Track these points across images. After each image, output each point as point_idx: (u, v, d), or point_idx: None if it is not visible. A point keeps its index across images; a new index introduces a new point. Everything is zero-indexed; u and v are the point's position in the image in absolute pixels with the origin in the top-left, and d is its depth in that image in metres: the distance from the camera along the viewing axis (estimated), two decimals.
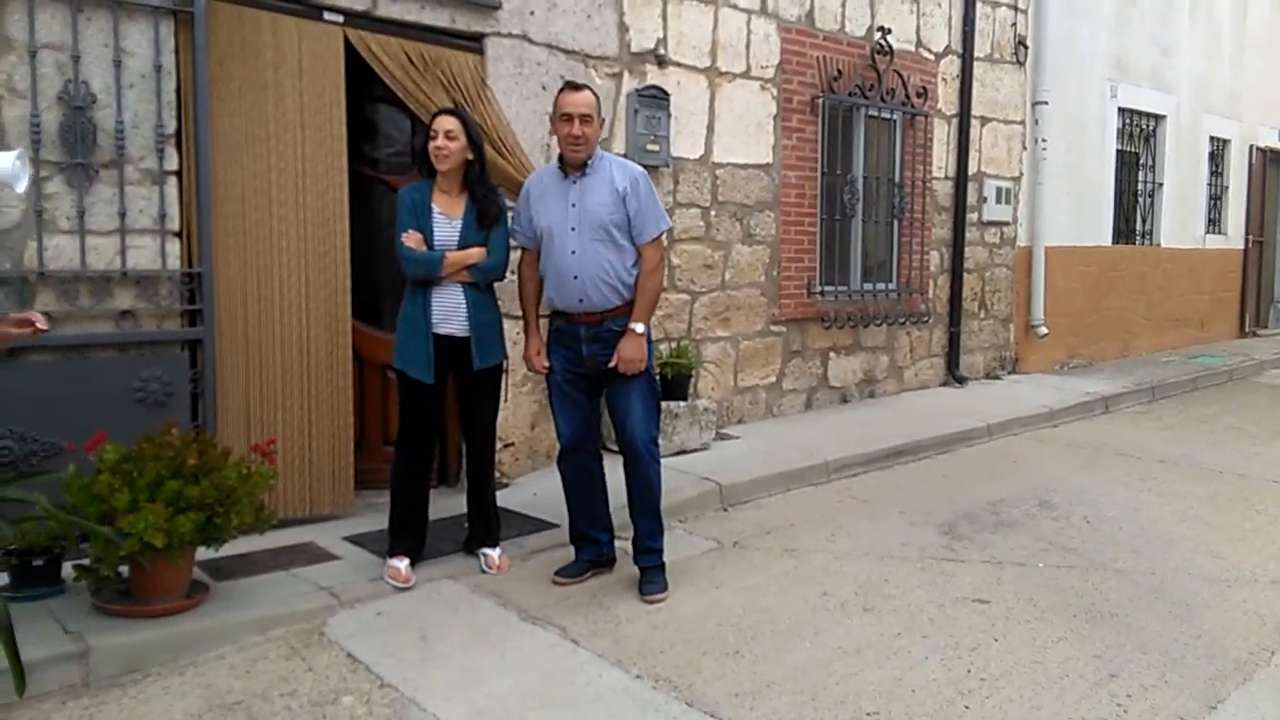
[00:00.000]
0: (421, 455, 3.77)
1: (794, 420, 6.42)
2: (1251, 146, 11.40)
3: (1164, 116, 10.03)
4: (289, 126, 4.08)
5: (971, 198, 7.89)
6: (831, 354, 6.90)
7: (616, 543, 3.94)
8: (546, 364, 3.78)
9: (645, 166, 4.57)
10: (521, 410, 5.06)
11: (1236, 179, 11.29)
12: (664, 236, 3.78)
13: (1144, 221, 10.06)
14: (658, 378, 4.07)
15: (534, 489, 4.76)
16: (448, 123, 3.63)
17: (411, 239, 3.59)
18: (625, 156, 5.25)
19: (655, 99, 5.57)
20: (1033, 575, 3.90)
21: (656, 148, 5.60)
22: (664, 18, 5.66)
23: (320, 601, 3.43)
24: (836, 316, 6.78)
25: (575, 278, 3.60)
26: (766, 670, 3.03)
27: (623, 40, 5.45)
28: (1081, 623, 3.43)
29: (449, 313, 3.65)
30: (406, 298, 3.69)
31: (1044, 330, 8.53)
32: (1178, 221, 10.34)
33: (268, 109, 4.03)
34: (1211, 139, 10.81)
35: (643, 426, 3.70)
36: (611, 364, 3.62)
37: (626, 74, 5.49)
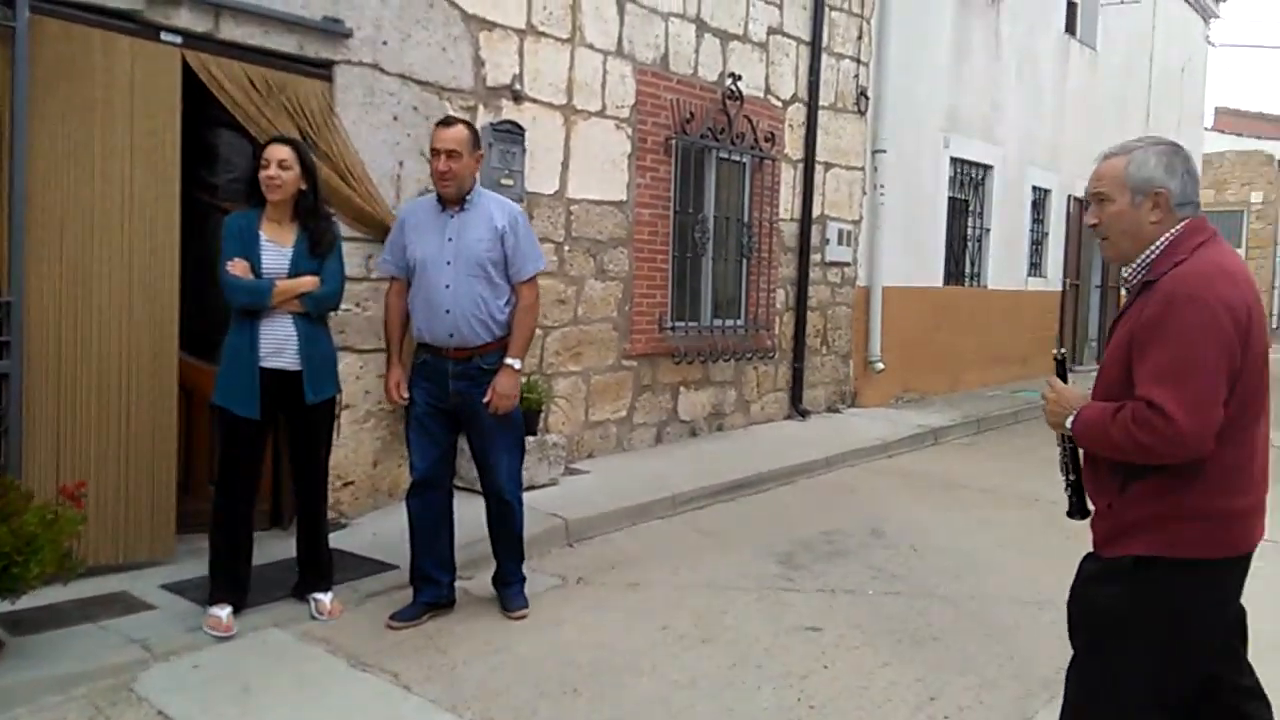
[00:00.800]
0: (243, 496, 3.60)
1: (644, 454, 6.51)
2: (1069, 196, 12.36)
3: (992, 166, 10.77)
4: (117, 150, 3.88)
5: (815, 239, 8.24)
6: (682, 388, 7.04)
7: (457, 583, 3.90)
8: (406, 395, 3.74)
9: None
10: (364, 447, 4.94)
11: (1056, 226, 12.21)
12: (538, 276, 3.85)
13: (973, 264, 10.74)
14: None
15: (374, 529, 4.64)
16: (280, 152, 3.54)
17: (237, 267, 3.45)
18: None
19: (510, 134, 5.59)
20: (863, 602, 4.08)
21: (511, 182, 5.61)
22: (520, 54, 5.70)
23: (130, 655, 3.22)
24: (687, 352, 6.94)
25: (448, 312, 3.61)
26: (604, 708, 3.05)
27: (478, 74, 5.46)
28: (906, 647, 3.61)
29: (279, 345, 3.52)
30: (232, 329, 3.53)
31: (881, 366, 8.97)
32: (1003, 264, 11.10)
33: (94, 131, 3.82)
34: (1034, 188, 11.67)
35: (510, 472, 3.81)
36: (486, 399, 3.64)
37: (482, 108, 5.49)
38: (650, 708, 3.06)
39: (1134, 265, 2.09)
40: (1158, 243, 2.04)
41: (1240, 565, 2.03)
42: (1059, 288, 12.36)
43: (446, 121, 3.71)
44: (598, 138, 6.20)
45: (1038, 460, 7.27)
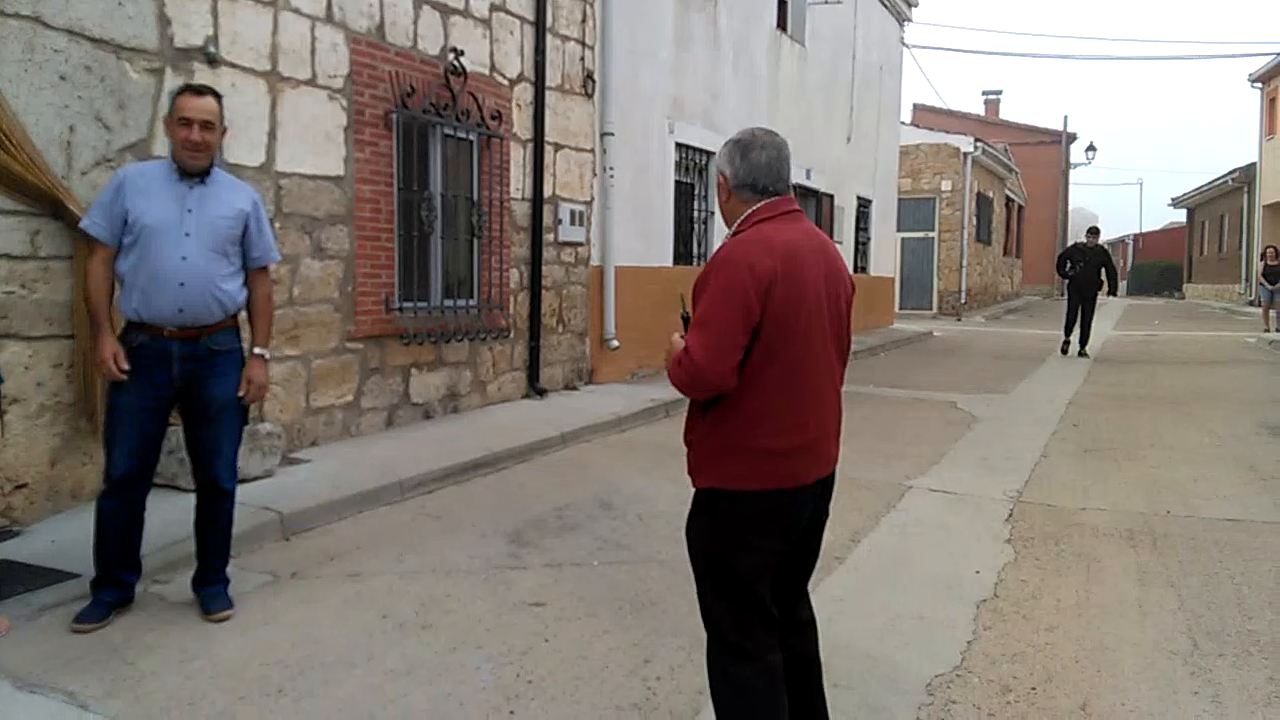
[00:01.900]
0: None
1: (373, 440, 6.27)
2: None
3: (714, 153, 11.29)
4: None
5: (548, 219, 8.28)
6: (413, 370, 6.84)
7: (152, 589, 3.59)
8: (126, 367, 3.39)
9: None
10: (39, 445, 4.40)
11: None
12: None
13: (699, 245, 11.23)
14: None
15: (53, 536, 4.14)
16: None
17: None
18: (166, 159, 4.80)
19: None
20: (588, 574, 4.15)
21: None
22: (214, 14, 5.25)
23: None
24: (417, 333, 6.75)
25: (182, 285, 3.36)
26: (311, 706, 2.89)
27: (164, 34, 4.97)
28: (626, 614, 3.70)
29: None
30: None
31: (616, 343, 9.19)
32: None
33: None
34: None
35: (230, 465, 3.61)
36: (241, 392, 3.54)
37: (170, 71, 5.00)
38: (363, 701, 2.93)
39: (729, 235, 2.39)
40: (740, 218, 2.35)
41: (787, 499, 2.26)
42: None
43: (197, 90, 3.52)
44: (309, 108, 5.86)
45: None
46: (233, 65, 5.36)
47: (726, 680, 2.29)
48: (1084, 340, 13.98)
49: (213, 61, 5.23)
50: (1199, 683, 3.13)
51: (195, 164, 3.42)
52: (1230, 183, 30.82)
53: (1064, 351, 14.00)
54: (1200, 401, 9.35)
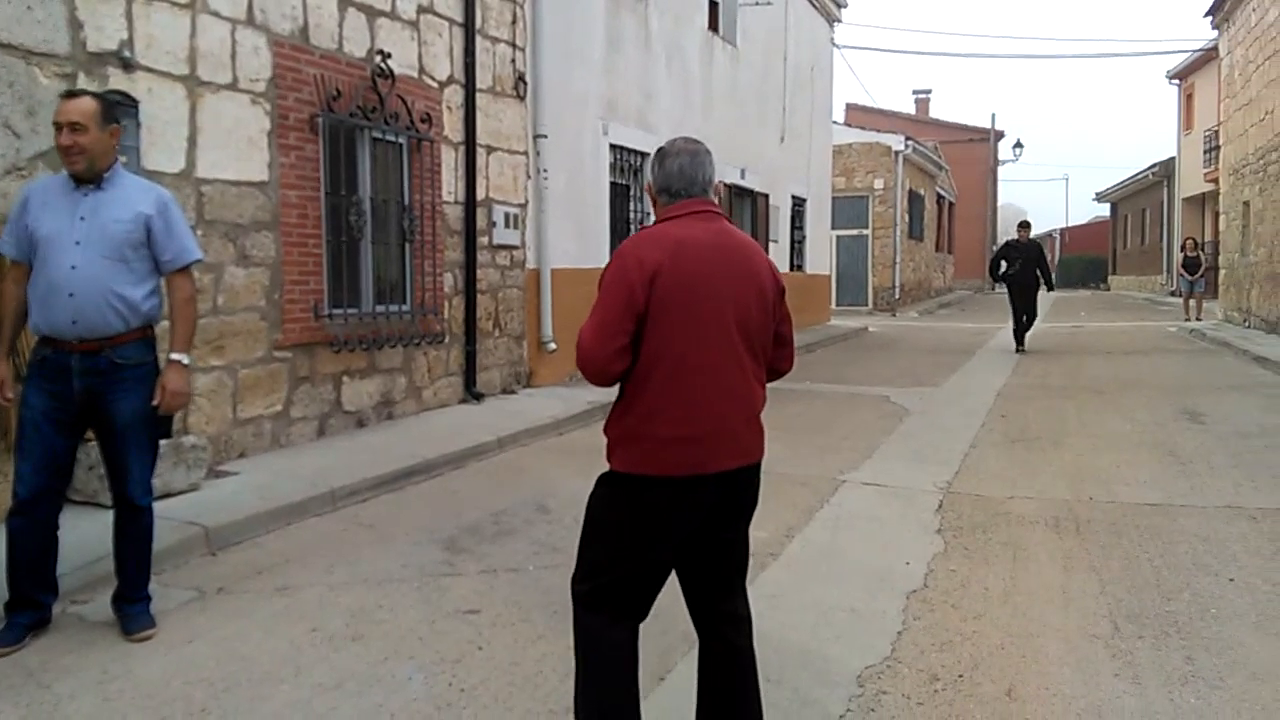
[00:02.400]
0: None
1: (303, 450, 6.16)
2: (720, 182, 13.27)
3: (648, 153, 11.32)
4: None
5: (481, 222, 8.22)
6: (345, 378, 6.74)
7: (70, 610, 3.48)
8: (9, 396, 3.34)
9: None
10: None
11: None
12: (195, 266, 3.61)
13: None
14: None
15: None
16: None
17: None
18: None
19: (120, 105, 4.97)
20: (523, 579, 4.13)
21: (124, 158, 4.99)
22: (129, 17, 5.12)
23: None
24: (348, 340, 6.65)
25: (71, 295, 3.25)
26: None
27: (76, 38, 4.83)
28: (560, 619, 3.67)
29: None
30: None
31: (554, 346, 9.16)
32: None
33: None
34: None
35: (143, 482, 3.49)
36: (155, 401, 3.41)
37: (84, 75, 4.86)
38: (288, 716, 2.87)
39: None
40: (658, 217, 2.49)
41: (682, 487, 2.33)
42: None
43: (70, 94, 3.44)
44: (230, 113, 5.73)
45: None
46: (149, 70, 5.23)
47: (580, 625, 2.46)
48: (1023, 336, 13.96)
49: (128, 66, 5.10)
50: (1119, 664, 3.22)
51: (73, 168, 3.32)
52: (1151, 177, 31.84)
53: (1019, 352, 13.42)
54: (1124, 390, 9.65)
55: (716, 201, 2.52)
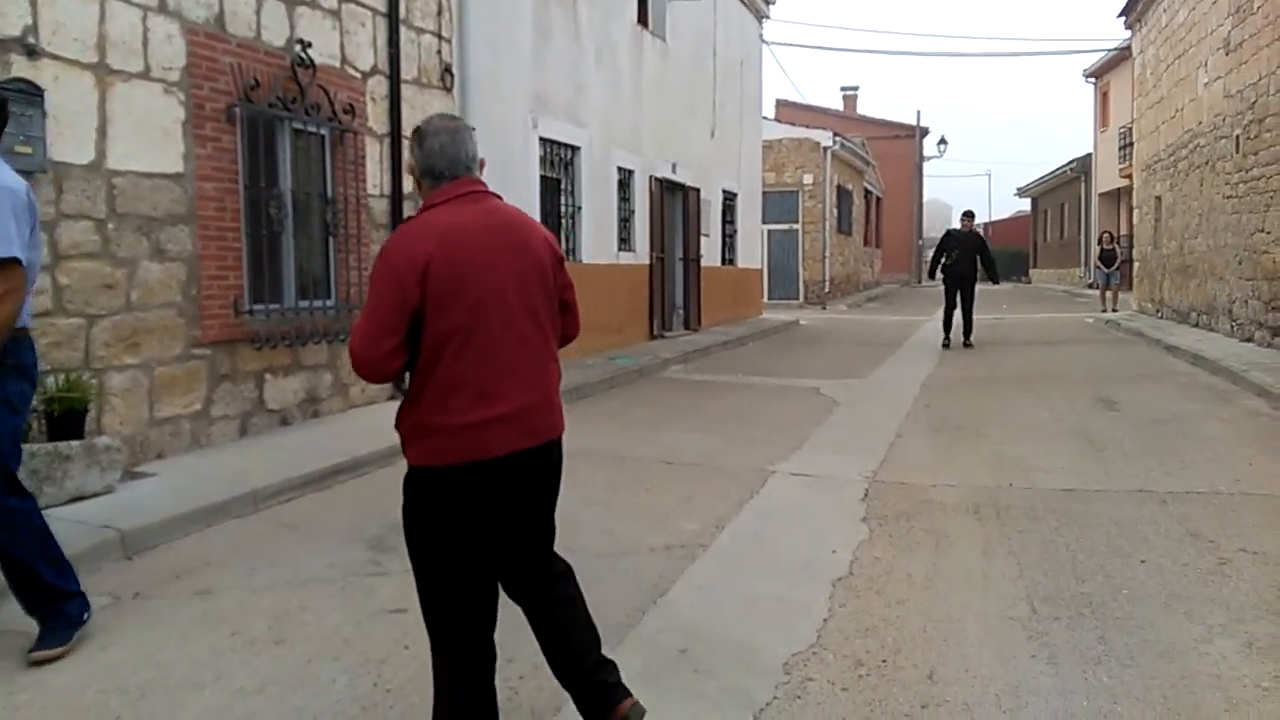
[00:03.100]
0: None
1: (224, 450, 6.00)
2: (650, 177, 13.34)
3: (579, 148, 11.28)
4: None
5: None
6: (268, 375, 6.58)
7: None
8: None
9: (18, 171, 3.90)
10: None
11: (641, 204, 13.13)
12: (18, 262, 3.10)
13: (568, 240, 11.21)
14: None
15: None
16: None
17: None
18: None
19: (24, 94, 4.80)
20: None
21: (29, 149, 4.84)
22: (33, 3, 4.92)
23: None
24: (270, 336, 6.49)
25: None
26: None
27: None
28: None
29: None
30: None
31: None
32: (596, 240, 11.72)
33: None
34: (619, 169, 12.43)
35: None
36: None
37: None
38: None
39: None
40: (424, 203, 2.44)
41: (481, 471, 2.32)
42: (647, 261, 13.31)
43: None
44: (142, 102, 5.54)
45: (627, 421, 7.80)
46: (55, 57, 5.03)
47: (438, 658, 2.43)
48: (967, 331, 13.13)
49: (32, 53, 4.90)
50: (1036, 645, 3.31)
51: None
52: (1069, 173, 32.88)
53: (946, 346, 13.01)
54: (1043, 380, 9.93)
55: (482, 178, 2.49)
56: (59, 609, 3.26)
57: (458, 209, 2.36)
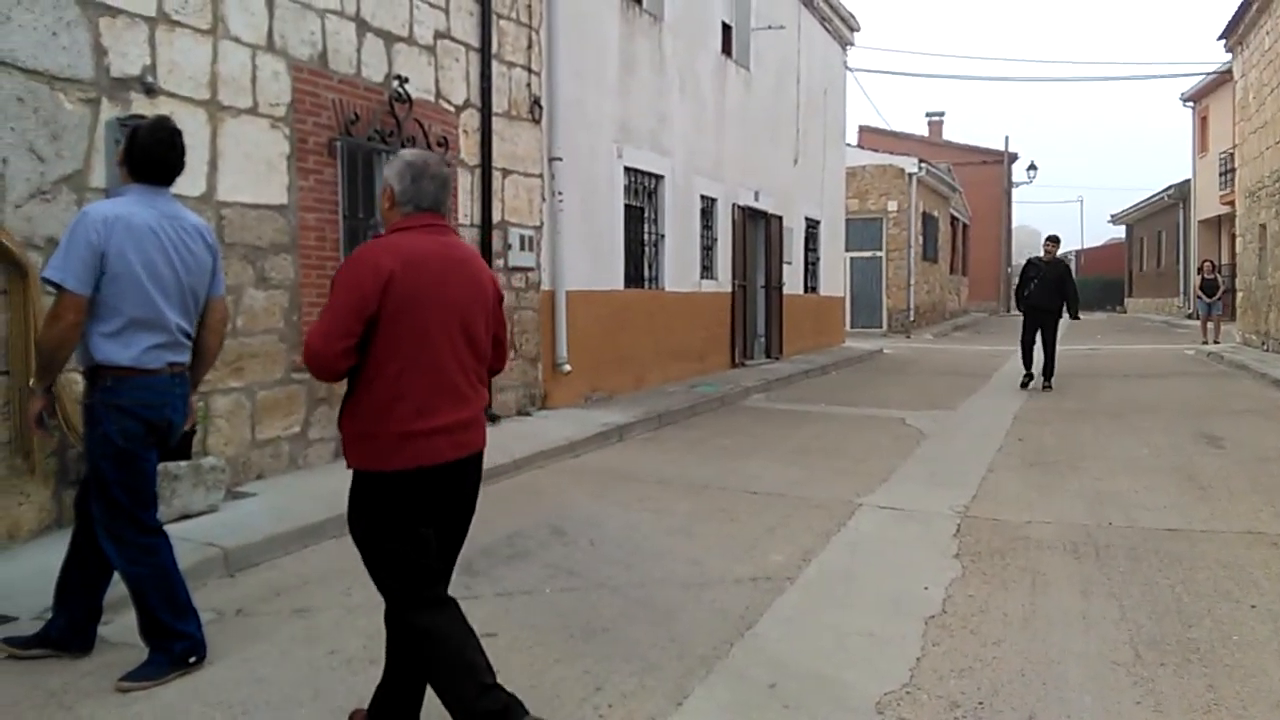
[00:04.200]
0: None
1: (321, 472, 6.18)
2: (734, 205, 13.36)
3: (663, 176, 11.38)
4: None
5: (497, 244, 8.27)
6: None
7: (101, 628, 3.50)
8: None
9: None
10: None
11: (723, 232, 13.15)
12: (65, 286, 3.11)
13: (650, 268, 11.29)
14: (107, 455, 3.27)
15: None
16: None
17: None
18: (106, 191, 4.74)
19: None
20: (539, 602, 4.12)
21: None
22: (152, 44, 5.20)
23: None
24: None
25: None
26: None
27: (100, 63, 4.91)
28: (578, 642, 3.68)
29: None
30: None
31: (568, 368, 9.18)
32: (678, 268, 11.78)
33: None
34: (702, 197, 12.49)
35: (98, 517, 3.31)
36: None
37: (106, 100, 4.94)
38: None
39: None
40: (391, 225, 2.69)
41: (419, 477, 2.57)
42: (729, 289, 13.31)
43: None
44: (250, 137, 5.80)
45: (711, 450, 7.78)
46: (171, 94, 5.30)
47: (412, 630, 2.64)
48: (1048, 371, 11.76)
49: (150, 91, 5.17)
50: (1141, 692, 3.19)
51: None
52: (1166, 199, 31.77)
53: (1024, 386, 11.71)
54: (1140, 413, 9.58)
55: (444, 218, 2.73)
56: (166, 645, 3.30)
57: (421, 237, 2.61)
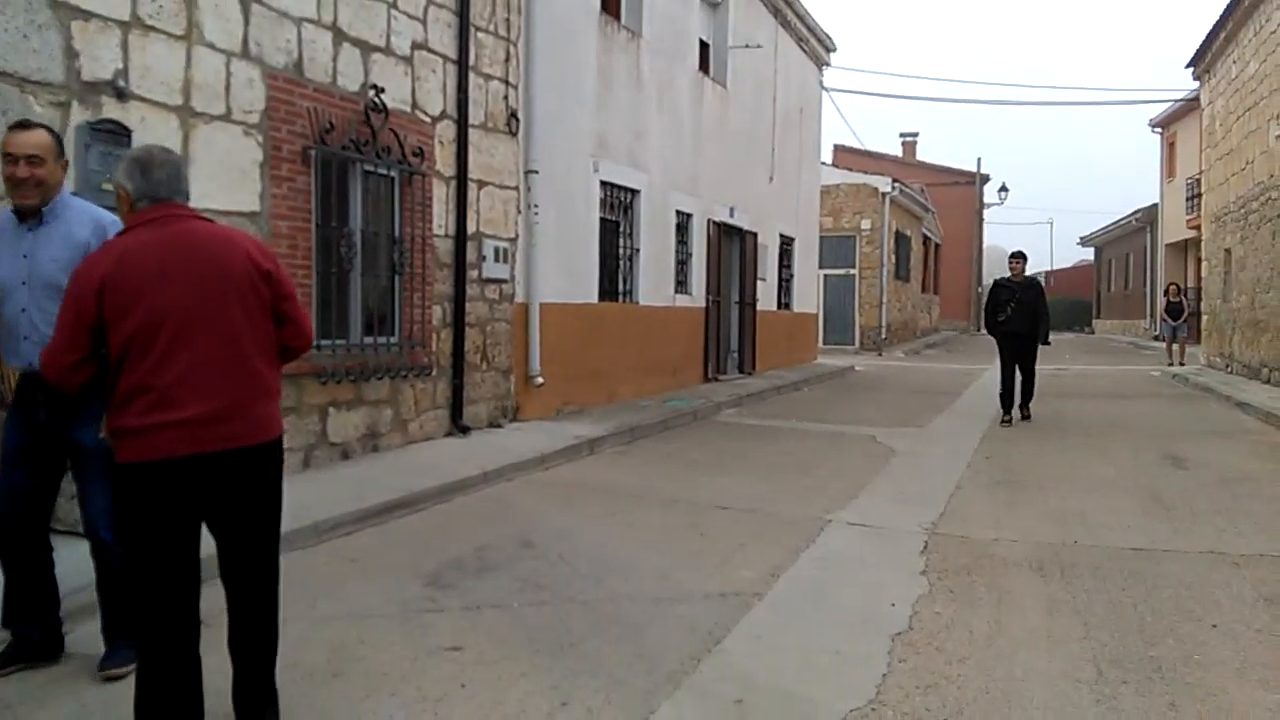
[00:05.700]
0: None
1: (288, 481, 6.00)
2: (709, 220, 13.42)
3: (639, 191, 11.41)
4: None
5: (471, 256, 8.25)
6: (331, 409, 6.71)
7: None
8: None
9: (103, 208, 4.09)
10: None
11: (698, 247, 13.19)
12: None
13: (625, 281, 11.31)
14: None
15: None
16: None
17: None
18: (76, 194, 4.67)
19: (113, 134, 5.03)
20: (507, 616, 4.09)
21: (109, 185, 5.03)
22: (124, 48, 5.16)
23: None
24: (335, 371, 6.63)
25: (25, 339, 3.25)
26: None
27: (71, 67, 4.86)
28: (544, 656, 3.65)
29: None
30: None
31: (541, 380, 9.16)
32: (653, 282, 11.80)
33: None
34: (677, 213, 12.54)
35: (104, 514, 3.32)
36: (102, 435, 3.28)
37: (77, 104, 4.89)
38: None
39: None
40: (125, 226, 2.69)
41: (156, 470, 2.55)
42: (703, 304, 13.34)
43: (22, 124, 3.38)
44: (223, 144, 5.76)
45: (681, 465, 7.78)
46: (143, 99, 5.26)
47: (139, 634, 2.68)
48: (1026, 399, 10.73)
49: (121, 95, 5.12)
50: (1103, 710, 3.21)
51: (25, 201, 3.28)
52: (1134, 222, 32.29)
53: (1005, 424, 10.33)
54: (1108, 434, 9.70)
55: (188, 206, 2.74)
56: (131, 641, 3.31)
57: (150, 231, 2.61)
